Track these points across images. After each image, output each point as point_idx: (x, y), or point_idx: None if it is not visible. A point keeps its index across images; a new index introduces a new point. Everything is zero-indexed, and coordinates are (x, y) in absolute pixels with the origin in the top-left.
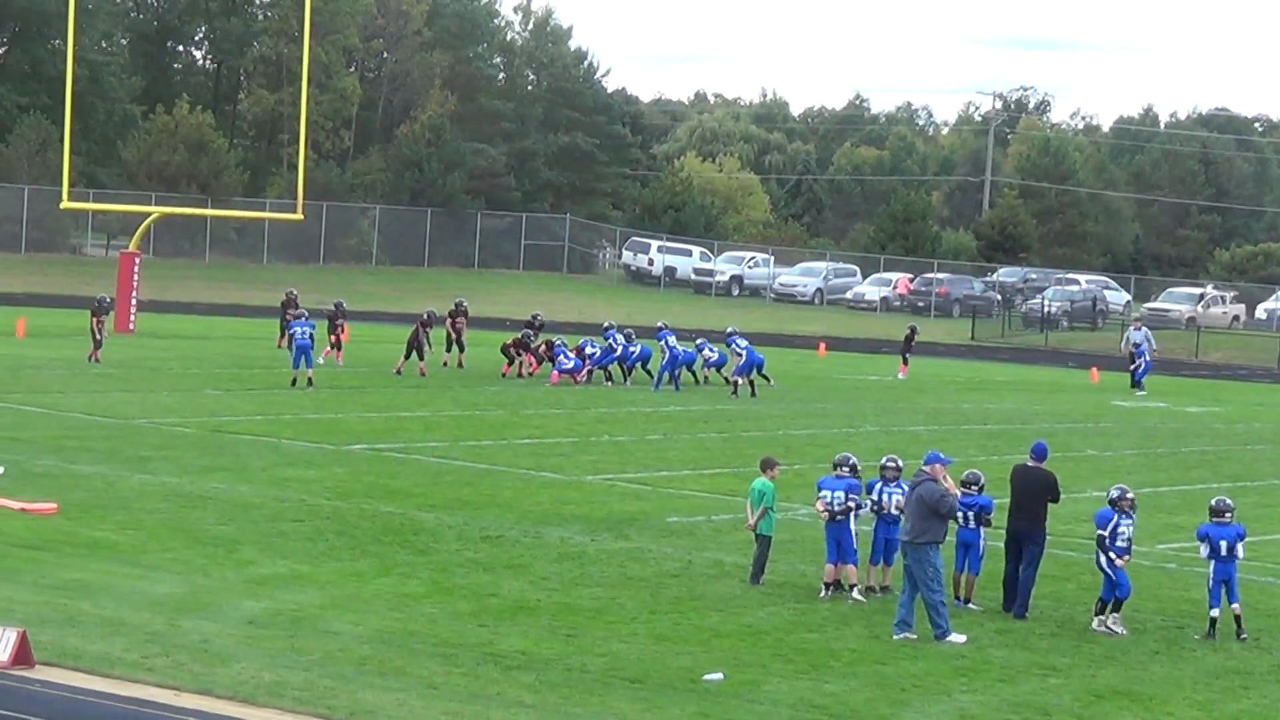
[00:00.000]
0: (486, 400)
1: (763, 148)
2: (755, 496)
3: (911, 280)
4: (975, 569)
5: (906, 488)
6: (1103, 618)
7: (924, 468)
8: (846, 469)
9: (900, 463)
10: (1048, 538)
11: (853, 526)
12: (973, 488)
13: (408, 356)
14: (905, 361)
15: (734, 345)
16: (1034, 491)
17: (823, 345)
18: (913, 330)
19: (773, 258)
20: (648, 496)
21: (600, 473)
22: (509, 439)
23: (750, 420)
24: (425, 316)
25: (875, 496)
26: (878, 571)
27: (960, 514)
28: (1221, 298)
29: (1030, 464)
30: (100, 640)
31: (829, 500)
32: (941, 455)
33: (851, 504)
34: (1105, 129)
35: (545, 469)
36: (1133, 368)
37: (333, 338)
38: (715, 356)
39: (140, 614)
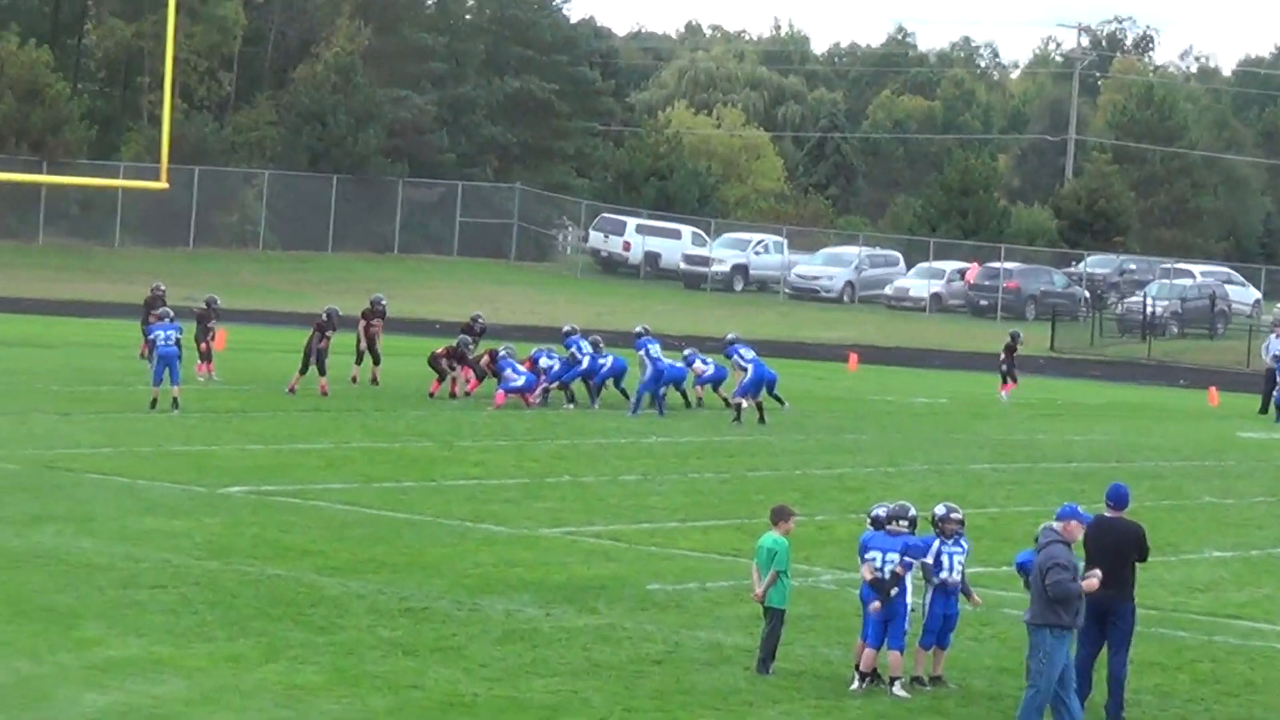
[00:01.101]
0: (408, 428)
1: (776, 96)
2: (764, 557)
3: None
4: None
5: (966, 545)
6: None
7: (1054, 524)
8: (904, 523)
9: (962, 513)
10: (1138, 611)
11: (909, 599)
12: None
13: (304, 370)
14: (1009, 379)
15: (735, 357)
16: (1116, 550)
17: (854, 356)
18: (1014, 338)
19: (787, 241)
20: (622, 556)
21: (559, 525)
22: (438, 479)
23: (758, 455)
24: (325, 317)
25: (931, 558)
26: (928, 658)
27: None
28: None
29: (1108, 513)
30: None
31: (879, 564)
32: (1080, 510)
33: (901, 569)
34: (1226, 73)
35: (486, 519)
36: (1276, 393)
37: (202, 345)
38: (710, 371)
39: None
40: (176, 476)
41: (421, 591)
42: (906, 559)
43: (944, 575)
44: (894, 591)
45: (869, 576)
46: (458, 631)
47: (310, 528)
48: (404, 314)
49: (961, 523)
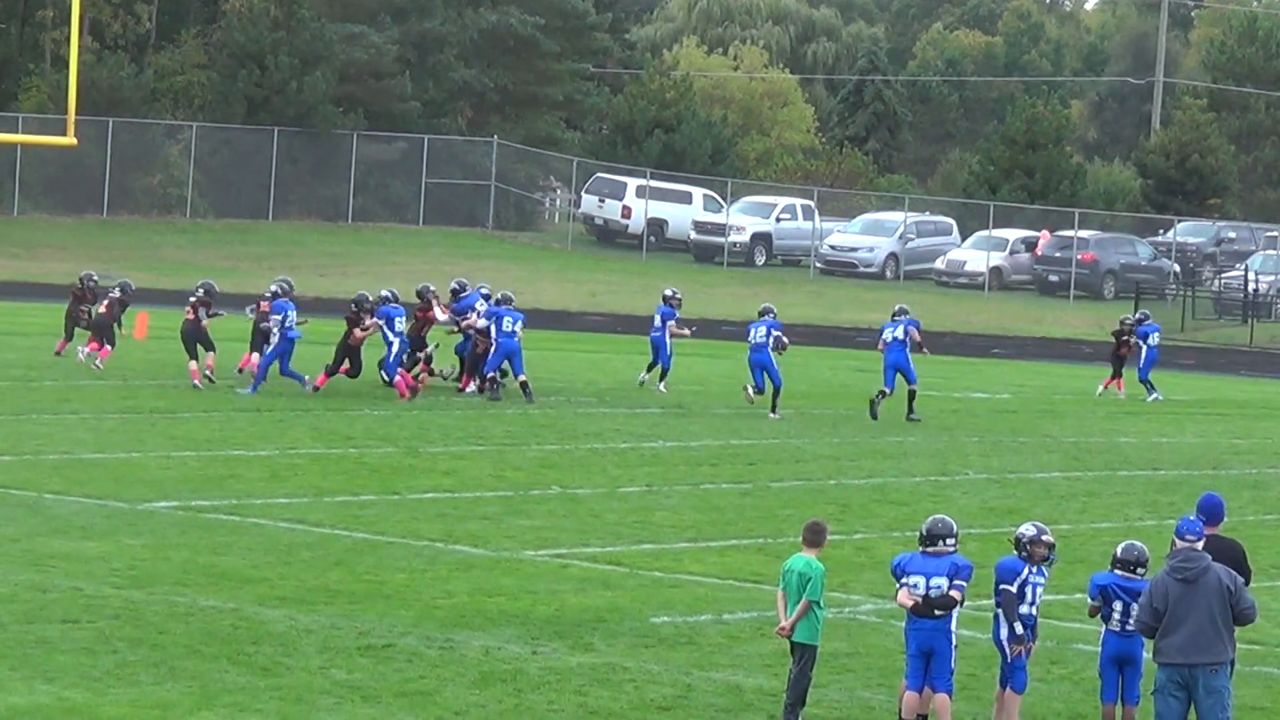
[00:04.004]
0: (366, 431)
1: (804, 32)
2: (794, 583)
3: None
4: (1134, 696)
5: (1046, 574)
6: None
7: (1185, 540)
8: (950, 542)
9: (1052, 535)
10: (1237, 646)
11: (954, 631)
12: (1136, 570)
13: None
14: (1117, 374)
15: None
16: None
17: None
18: (1125, 325)
19: (818, 206)
20: (622, 583)
21: (547, 546)
22: (403, 492)
23: (784, 462)
24: (203, 291)
25: (1016, 587)
26: (1009, 700)
27: (1118, 610)
28: None
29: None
30: None
31: (923, 589)
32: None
33: (956, 593)
34: None
35: (460, 540)
36: None
37: (84, 322)
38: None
39: None
40: (90, 490)
41: (384, 625)
42: (958, 584)
43: (1025, 608)
44: (940, 612)
45: (909, 602)
46: (427, 673)
47: (251, 550)
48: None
49: (1053, 547)
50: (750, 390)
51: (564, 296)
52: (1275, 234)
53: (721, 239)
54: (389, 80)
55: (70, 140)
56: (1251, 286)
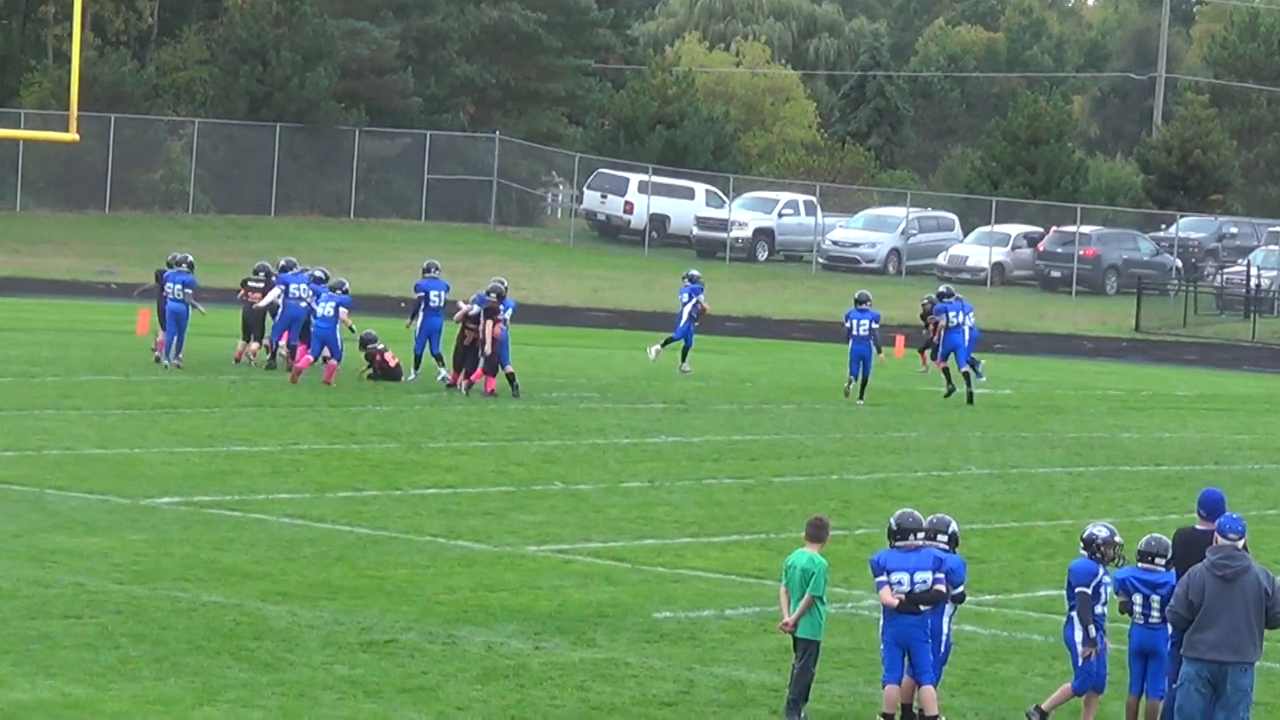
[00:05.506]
0: (369, 427)
1: (806, 27)
2: (797, 579)
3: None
4: (1159, 690)
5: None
6: None
7: (1227, 538)
8: (944, 538)
9: (1120, 536)
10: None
11: (947, 626)
12: (1155, 561)
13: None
14: (925, 350)
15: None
16: None
17: (901, 339)
18: (927, 305)
19: (820, 201)
20: (625, 579)
21: (549, 541)
22: (405, 488)
23: (786, 458)
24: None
25: (1092, 589)
26: (1096, 703)
27: (1139, 603)
28: None
29: (1201, 526)
30: None
31: (907, 585)
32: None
33: (942, 588)
34: None
35: (463, 535)
36: None
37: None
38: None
39: None
40: (93, 485)
41: (386, 621)
42: (939, 576)
43: (1097, 608)
44: (925, 607)
45: (894, 601)
46: (430, 669)
47: (253, 546)
48: (361, 289)
49: (1121, 546)
50: (849, 385)
51: (566, 292)
52: (1277, 229)
53: (724, 235)
54: (391, 76)
55: (72, 136)
56: (1253, 282)
